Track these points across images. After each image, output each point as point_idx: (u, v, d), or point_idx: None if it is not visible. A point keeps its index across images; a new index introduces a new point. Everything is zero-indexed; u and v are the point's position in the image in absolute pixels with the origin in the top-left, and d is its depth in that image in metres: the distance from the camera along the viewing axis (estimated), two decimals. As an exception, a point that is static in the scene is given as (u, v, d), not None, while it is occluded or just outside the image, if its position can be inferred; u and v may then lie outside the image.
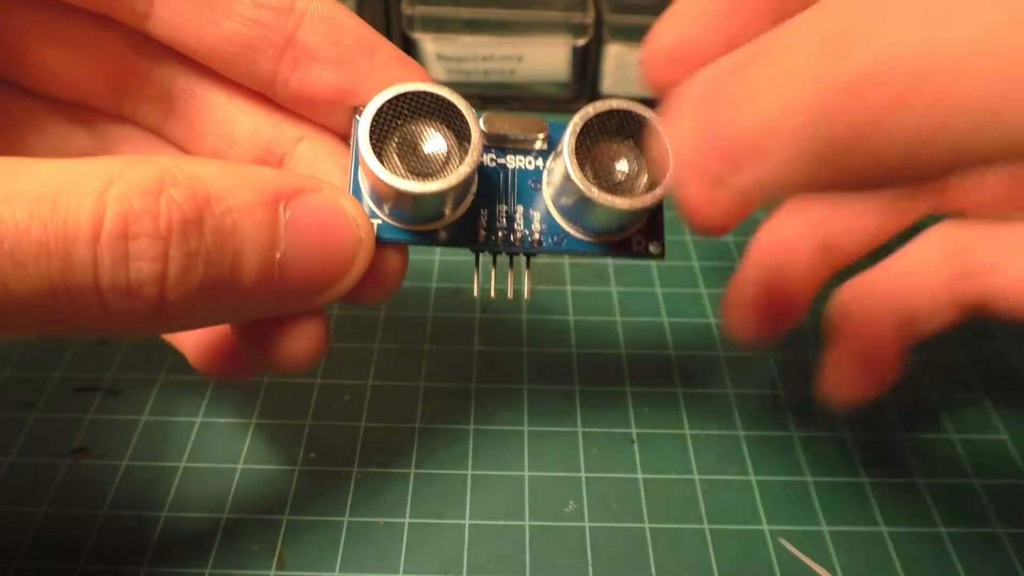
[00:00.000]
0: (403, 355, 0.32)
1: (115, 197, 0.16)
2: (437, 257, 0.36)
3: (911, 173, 0.14)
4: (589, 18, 0.42)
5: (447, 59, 0.43)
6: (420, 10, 0.42)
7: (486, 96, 0.45)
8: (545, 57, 0.43)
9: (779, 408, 0.30)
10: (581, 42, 0.43)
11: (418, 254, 0.36)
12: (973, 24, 0.12)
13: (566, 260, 0.36)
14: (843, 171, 0.14)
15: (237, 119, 0.22)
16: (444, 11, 0.42)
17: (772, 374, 0.31)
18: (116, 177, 0.16)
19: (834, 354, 0.25)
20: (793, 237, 0.25)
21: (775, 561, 0.25)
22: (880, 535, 0.26)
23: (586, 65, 0.44)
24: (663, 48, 0.20)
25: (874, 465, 0.28)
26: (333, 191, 0.20)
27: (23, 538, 0.25)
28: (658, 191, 0.20)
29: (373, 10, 0.43)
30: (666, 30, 0.21)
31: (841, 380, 0.25)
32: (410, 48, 0.43)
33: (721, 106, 0.16)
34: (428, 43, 0.43)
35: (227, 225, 0.17)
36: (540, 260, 0.36)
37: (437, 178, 0.19)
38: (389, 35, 0.44)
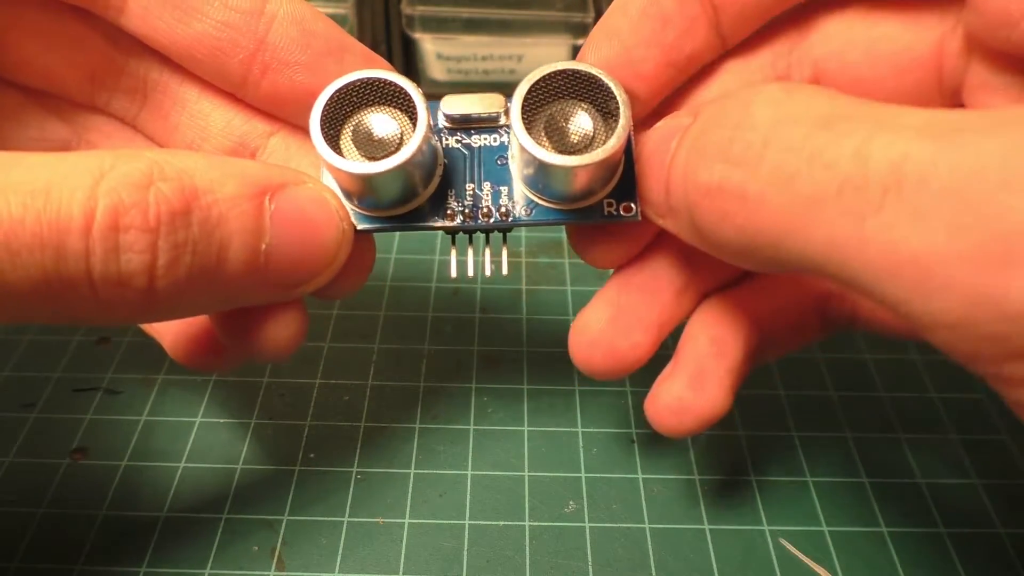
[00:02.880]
0: (403, 355, 0.32)
1: (106, 191, 0.16)
2: (437, 257, 0.36)
3: (752, 267, 0.18)
4: (589, 18, 0.42)
5: (447, 59, 0.43)
6: (420, 10, 0.42)
7: (486, 96, 0.45)
8: (545, 57, 0.43)
9: (779, 408, 0.30)
10: (581, 42, 0.43)
11: (418, 254, 0.36)
12: (762, 172, 0.16)
13: (566, 260, 0.36)
14: (710, 248, 0.18)
15: (210, 112, 0.23)
16: (444, 11, 0.42)
17: (772, 374, 0.31)
18: (106, 171, 0.16)
19: (672, 370, 0.23)
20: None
21: (775, 561, 0.25)
22: (880, 535, 0.26)
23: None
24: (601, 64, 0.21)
25: (874, 465, 0.28)
26: (316, 184, 0.20)
27: (23, 538, 0.25)
28: (610, 143, 0.19)
29: (373, 10, 0.43)
30: (601, 46, 0.21)
31: (676, 404, 0.22)
32: (410, 48, 0.43)
33: (663, 160, 0.19)
34: (428, 43, 0.43)
35: (213, 217, 0.18)
36: (540, 260, 0.36)
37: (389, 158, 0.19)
38: (389, 35, 0.44)
